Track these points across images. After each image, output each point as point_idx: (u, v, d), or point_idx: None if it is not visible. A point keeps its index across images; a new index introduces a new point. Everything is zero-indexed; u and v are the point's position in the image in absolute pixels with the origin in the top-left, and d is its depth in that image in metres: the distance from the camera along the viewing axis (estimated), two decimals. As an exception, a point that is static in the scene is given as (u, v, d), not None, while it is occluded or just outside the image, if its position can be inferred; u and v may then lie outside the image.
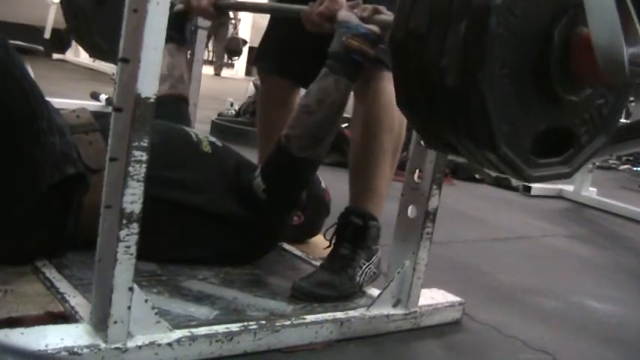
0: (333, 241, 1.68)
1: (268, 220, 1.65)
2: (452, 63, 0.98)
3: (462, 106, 1.00)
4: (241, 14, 11.23)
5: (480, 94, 0.97)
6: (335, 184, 2.07)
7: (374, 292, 1.61)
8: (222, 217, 1.60)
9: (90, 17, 2.11)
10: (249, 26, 10.39)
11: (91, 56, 2.29)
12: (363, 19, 1.47)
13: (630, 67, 0.95)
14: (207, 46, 5.26)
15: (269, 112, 1.98)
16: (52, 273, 1.42)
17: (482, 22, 0.94)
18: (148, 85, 1.08)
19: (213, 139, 1.79)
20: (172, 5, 1.87)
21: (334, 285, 1.55)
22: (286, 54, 1.82)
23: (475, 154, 1.08)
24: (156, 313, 1.19)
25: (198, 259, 1.62)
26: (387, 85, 1.56)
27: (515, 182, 3.83)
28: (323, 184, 1.99)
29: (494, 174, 3.81)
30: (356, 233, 1.64)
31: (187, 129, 1.81)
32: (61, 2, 2.17)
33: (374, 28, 1.46)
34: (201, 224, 1.59)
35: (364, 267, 1.61)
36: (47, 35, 6.50)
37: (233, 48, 8.56)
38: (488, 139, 1.01)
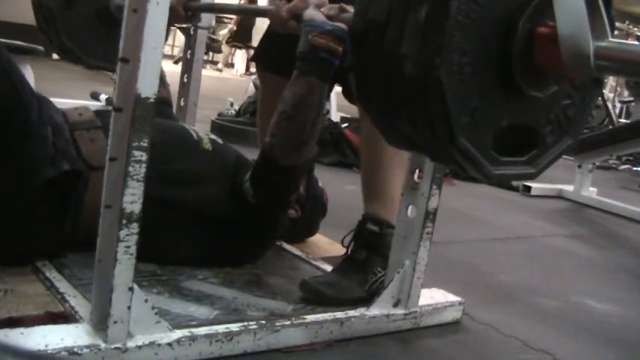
0: (351, 248, 1.67)
1: (260, 222, 1.64)
2: (410, 51, 0.95)
3: (420, 96, 0.97)
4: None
5: (438, 83, 0.93)
6: (335, 184, 2.07)
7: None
8: (218, 216, 1.60)
9: (57, 18, 2.11)
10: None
11: (60, 58, 2.29)
12: (329, 17, 1.44)
13: (595, 61, 0.92)
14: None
15: (269, 111, 1.98)
16: (52, 273, 1.42)
17: (442, 7, 0.92)
18: (148, 85, 1.08)
19: (213, 136, 1.79)
20: None
21: (342, 287, 1.55)
22: (286, 52, 1.82)
23: (435, 148, 1.05)
24: (156, 313, 1.19)
25: (193, 259, 1.62)
26: None
27: (515, 182, 3.83)
28: (320, 184, 1.99)
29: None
30: (371, 240, 1.63)
31: (188, 127, 1.81)
32: (32, 4, 2.17)
33: (341, 24, 1.42)
34: (197, 223, 1.59)
35: (378, 274, 1.59)
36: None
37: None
38: (446, 131, 0.98)
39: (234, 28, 10.03)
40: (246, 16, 1.97)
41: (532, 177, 1.12)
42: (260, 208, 1.59)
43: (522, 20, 0.98)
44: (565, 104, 1.12)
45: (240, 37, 10.53)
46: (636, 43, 0.95)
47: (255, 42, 9.85)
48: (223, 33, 10.67)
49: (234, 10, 2.07)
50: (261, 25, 1.96)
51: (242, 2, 8.14)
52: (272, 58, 1.90)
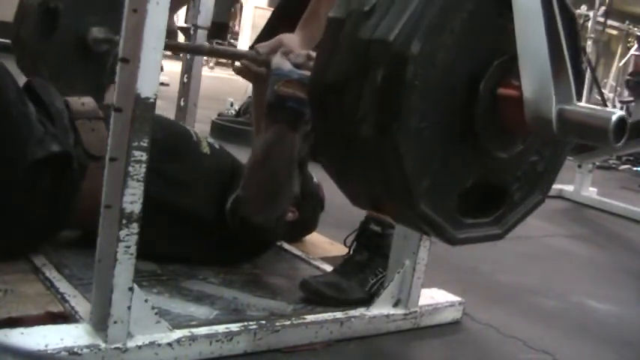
0: (352, 248, 1.67)
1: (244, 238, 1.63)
2: (368, 115, 0.91)
3: (377, 161, 0.93)
4: (240, 14, 11.25)
5: (395, 149, 0.90)
6: (334, 184, 2.07)
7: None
8: (209, 221, 1.59)
9: (35, 51, 2.12)
10: (249, 26, 10.41)
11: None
12: (296, 65, 1.41)
13: (558, 124, 0.90)
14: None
15: (263, 105, 1.99)
16: (52, 273, 1.42)
17: (398, 72, 0.88)
18: (148, 85, 1.08)
19: (211, 140, 1.79)
20: (117, 44, 1.87)
21: (342, 288, 1.55)
22: None
23: (396, 212, 1.01)
24: (156, 313, 1.19)
25: (186, 258, 1.62)
26: None
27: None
28: (315, 179, 1.98)
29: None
30: (374, 241, 1.63)
31: (188, 127, 1.81)
32: (11, 36, 2.18)
33: (308, 72, 1.38)
34: (187, 225, 1.59)
35: (380, 275, 1.59)
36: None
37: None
38: (405, 197, 0.94)
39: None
40: (217, 57, 1.98)
41: (499, 238, 1.07)
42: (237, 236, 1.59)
43: (484, 81, 0.94)
44: (534, 160, 1.07)
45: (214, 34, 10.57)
46: (601, 108, 0.92)
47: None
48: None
49: (207, 52, 2.11)
50: (260, 24, 1.96)
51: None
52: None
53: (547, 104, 0.90)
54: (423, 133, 0.92)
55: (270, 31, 1.93)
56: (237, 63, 1.59)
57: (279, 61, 1.42)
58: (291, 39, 1.50)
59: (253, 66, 1.52)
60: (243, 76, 1.58)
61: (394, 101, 0.89)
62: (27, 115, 1.41)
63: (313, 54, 1.43)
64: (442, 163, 0.96)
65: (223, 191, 1.62)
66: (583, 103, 0.93)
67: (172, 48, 2.02)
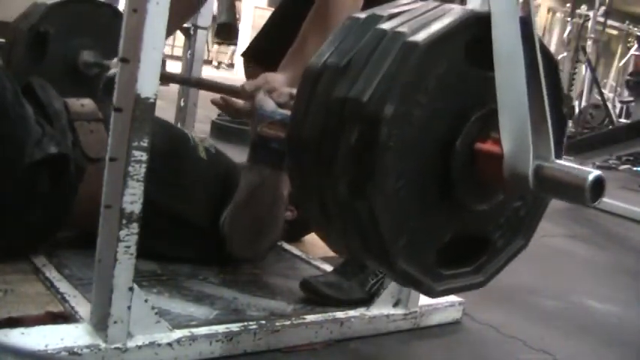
0: None
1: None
2: (342, 174, 0.90)
3: (353, 220, 0.92)
4: (241, 14, 11.26)
5: (370, 210, 0.88)
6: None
7: (374, 292, 1.61)
8: (204, 228, 1.59)
9: (26, 75, 2.14)
10: (249, 26, 10.41)
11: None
12: (279, 105, 1.39)
13: (535, 181, 0.89)
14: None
15: None
16: (52, 273, 1.42)
17: (372, 133, 0.86)
18: (148, 85, 1.08)
19: (207, 144, 1.77)
20: (107, 69, 1.87)
21: (342, 288, 1.55)
22: (276, 43, 1.81)
23: (374, 265, 1.01)
24: (156, 313, 1.19)
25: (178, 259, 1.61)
26: None
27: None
28: None
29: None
30: None
31: (186, 131, 1.80)
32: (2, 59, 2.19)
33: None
34: (183, 230, 1.59)
35: (380, 275, 1.58)
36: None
37: None
38: (382, 256, 0.93)
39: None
40: (204, 89, 2.03)
41: (480, 286, 1.06)
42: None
43: (461, 137, 0.93)
44: (516, 206, 1.06)
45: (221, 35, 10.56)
46: (577, 166, 0.90)
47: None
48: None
49: (193, 83, 2.13)
50: (261, 24, 1.96)
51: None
52: (260, 48, 1.89)
53: (525, 160, 0.89)
54: (399, 192, 0.90)
55: (268, 35, 1.93)
56: (217, 96, 1.57)
57: (262, 100, 1.40)
58: (275, 77, 1.47)
59: (237, 102, 1.51)
60: (223, 111, 1.57)
61: (368, 162, 0.87)
62: (25, 117, 1.40)
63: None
64: (420, 220, 0.94)
65: (218, 198, 1.62)
66: (561, 161, 0.91)
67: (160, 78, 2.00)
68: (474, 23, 0.92)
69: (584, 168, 0.89)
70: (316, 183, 0.95)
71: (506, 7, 0.92)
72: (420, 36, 0.87)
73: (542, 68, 0.91)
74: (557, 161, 0.90)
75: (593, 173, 0.86)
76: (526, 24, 0.92)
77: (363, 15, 0.97)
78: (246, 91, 1.46)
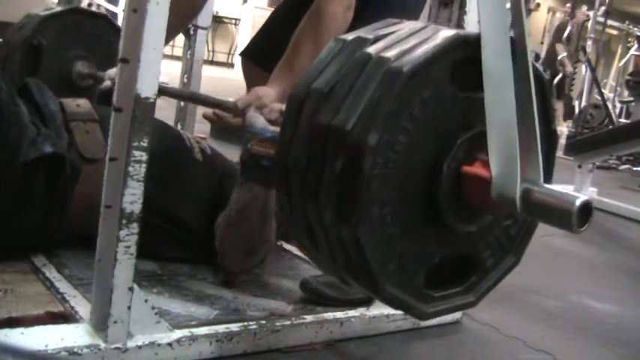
0: None
1: None
2: (327, 203, 0.89)
3: (339, 248, 0.91)
4: (241, 14, 11.26)
5: (355, 238, 0.88)
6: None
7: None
8: (198, 230, 1.59)
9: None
10: (249, 26, 10.41)
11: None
12: (270, 121, 1.38)
13: (522, 204, 0.88)
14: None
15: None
16: (52, 273, 1.42)
17: (356, 162, 0.85)
18: (148, 85, 1.08)
19: (203, 145, 1.77)
20: (101, 80, 1.87)
21: (342, 288, 1.55)
22: (275, 43, 1.81)
23: (365, 290, 0.99)
24: (156, 313, 1.19)
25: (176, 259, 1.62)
26: None
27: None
28: None
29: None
30: None
31: (181, 132, 1.80)
32: None
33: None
34: (177, 232, 1.59)
35: None
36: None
37: None
38: (370, 283, 0.93)
39: None
40: (195, 104, 2.02)
41: (471, 306, 1.05)
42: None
43: (447, 161, 0.92)
44: (506, 225, 1.05)
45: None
46: (564, 191, 0.90)
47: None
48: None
49: (186, 97, 2.13)
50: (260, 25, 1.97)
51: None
52: (263, 57, 1.89)
53: (512, 184, 0.88)
54: (385, 219, 0.90)
55: (267, 35, 1.93)
56: (209, 111, 1.57)
57: (252, 116, 1.40)
58: (266, 92, 1.47)
59: (229, 117, 1.50)
60: (215, 124, 1.57)
61: (353, 191, 0.86)
62: (19, 116, 1.40)
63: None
64: (407, 245, 0.93)
65: (214, 199, 1.61)
66: (549, 186, 0.91)
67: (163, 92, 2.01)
68: (460, 45, 0.91)
69: (571, 193, 0.88)
70: (303, 209, 0.94)
71: (496, 28, 0.91)
72: (405, 61, 0.86)
73: (534, 88, 0.91)
74: (545, 185, 0.90)
75: (581, 199, 0.86)
76: (517, 44, 0.91)
77: (349, 37, 0.96)
78: (237, 107, 1.46)
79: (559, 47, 7.79)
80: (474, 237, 1.01)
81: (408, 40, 0.91)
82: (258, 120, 1.39)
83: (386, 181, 0.88)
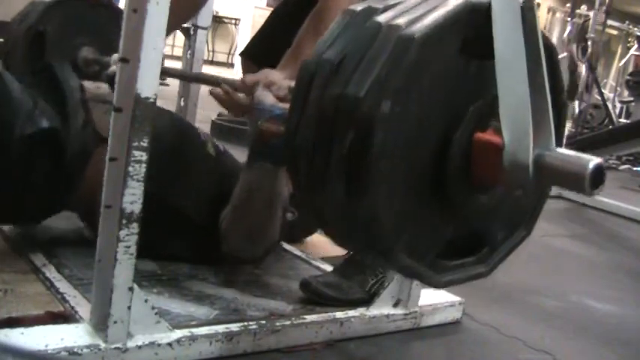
0: None
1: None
2: (340, 176, 0.89)
3: (353, 220, 0.91)
4: (241, 14, 11.26)
5: (369, 211, 0.88)
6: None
7: (374, 292, 1.61)
8: (206, 225, 1.58)
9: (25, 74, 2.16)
10: (249, 26, 10.41)
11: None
12: (279, 98, 1.38)
13: (534, 170, 0.88)
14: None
15: None
16: (52, 273, 1.42)
17: (367, 134, 0.84)
18: (148, 85, 1.08)
19: (215, 141, 1.78)
20: (107, 65, 1.88)
21: (342, 288, 1.55)
22: (276, 43, 1.81)
23: (379, 263, 1.01)
24: (156, 313, 1.19)
25: (182, 258, 1.62)
26: None
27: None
28: None
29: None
30: None
31: (196, 126, 1.82)
32: None
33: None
34: (184, 226, 1.58)
35: (380, 275, 1.58)
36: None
37: None
38: (385, 256, 0.93)
39: None
40: (201, 84, 2.02)
41: (484, 276, 1.06)
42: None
43: (459, 129, 0.92)
44: (517, 196, 1.03)
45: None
46: (577, 154, 0.89)
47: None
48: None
49: (191, 78, 2.14)
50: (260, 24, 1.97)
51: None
52: (264, 57, 1.89)
53: (525, 149, 0.88)
54: (397, 191, 0.90)
55: (266, 35, 1.93)
56: (217, 89, 1.57)
57: (261, 94, 1.39)
58: (274, 73, 1.47)
59: (237, 96, 1.50)
60: (221, 104, 1.56)
61: (365, 163, 0.86)
62: (5, 92, 1.39)
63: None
64: (420, 216, 0.94)
65: (222, 196, 1.62)
66: (562, 150, 0.91)
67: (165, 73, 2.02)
68: (470, 13, 0.91)
69: (584, 156, 0.88)
70: (314, 183, 0.94)
71: None
72: (416, 28, 0.86)
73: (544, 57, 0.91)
74: (558, 150, 0.90)
75: (594, 161, 0.86)
76: (527, 12, 0.91)
77: (359, 7, 0.96)
78: (245, 85, 1.45)
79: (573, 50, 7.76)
80: (485, 210, 1.01)
81: (417, 9, 0.90)
82: (267, 97, 1.38)
83: (398, 151, 0.88)
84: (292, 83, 1.37)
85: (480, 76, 0.93)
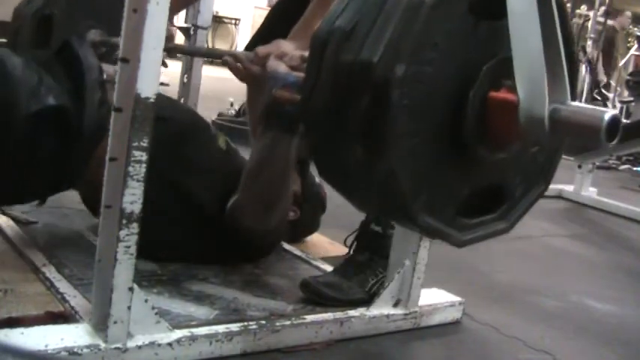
0: (353, 248, 1.67)
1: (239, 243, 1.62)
2: (358, 138, 0.91)
3: (373, 182, 0.94)
4: (241, 14, 11.26)
5: (387, 170, 0.90)
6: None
7: (374, 292, 1.61)
8: (213, 217, 1.59)
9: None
10: (249, 26, 10.41)
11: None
12: (292, 68, 1.40)
13: (550, 123, 0.89)
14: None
15: (258, 107, 2.00)
16: (52, 273, 1.42)
17: (383, 96, 0.87)
18: (148, 85, 1.08)
19: (226, 137, 1.79)
20: (116, 46, 1.89)
21: (342, 288, 1.55)
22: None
23: (401, 224, 1.03)
24: (156, 313, 1.19)
25: (186, 254, 1.62)
26: None
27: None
28: (317, 179, 1.98)
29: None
30: (374, 241, 1.63)
31: (208, 121, 1.83)
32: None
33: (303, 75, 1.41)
34: (192, 215, 1.58)
35: (380, 275, 1.59)
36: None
37: None
38: (405, 214, 0.95)
39: None
40: (214, 58, 2.07)
41: (505, 232, 1.07)
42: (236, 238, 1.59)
43: (474, 88, 0.94)
44: (534, 152, 1.07)
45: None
46: (592, 107, 0.91)
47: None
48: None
49: (203, 53, 2.16)
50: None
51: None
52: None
53: (540, 104, 0.89)
54: (414, 151, 0.91)
55: (265, 34, 1.93)
56: (230, 59, 1.59)
57: (274, 64, 1.42)
58: (285, 44, 1.50)
59: (249, 65, 1.52)
60: (233, 72, 1.58)
61: (382, 124, 0.88)
62: (13, 68, 1.38)
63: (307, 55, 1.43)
64: (438, 174, 0.95)
65: (229, 189, 1.62)
66: (577, 103, 0.92)
67: (169, 50, 2.03)
68: None
69: (599, 108, 0.90)
70: (332, 148, 0.96)
71: None
72: None
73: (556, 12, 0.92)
74: (572, 103, 0.91)
75: (609, 113, 0.87)
76: None
77: None
78: (258, 56, 1.48)
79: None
80: (502, 166, 1.03)
81: None
82: (280, 67, 1.42)
83: (414, 112, 0.90)
84: (305, 53, 1.39)
85: (490, 37, 0.95)
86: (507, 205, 1.07)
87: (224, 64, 1.59)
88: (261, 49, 1.50)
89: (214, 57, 1.86)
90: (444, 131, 0.94)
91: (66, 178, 1.51)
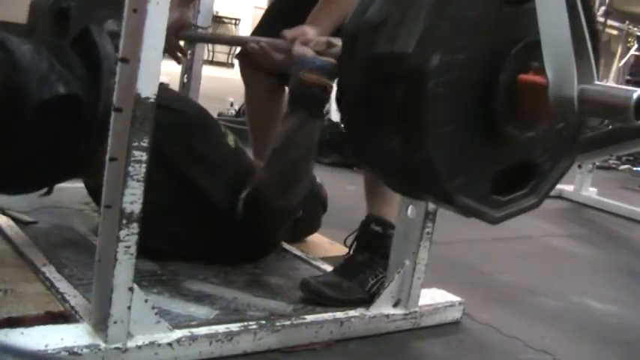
0: (353, 248, 1.67)
1: (248, 236, 1.63)
2: (394, 129, 0.95)
3: (409, 167, 0.98)
4: (241, 14, 11.27)
5: (425, 158, 0.94)
6: (335, 184, 2.07)
7: (374, 292, 1.61)
8: (220, 214, 1.59)
9: None
10: (249, 26, 10.41)
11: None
12: (318, 53, 1.44)
13: (580, 104, 0.92)
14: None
15: (256, 110, 2.00)
16: (52, 273, 1.42)
17: (418, 86, 0.90)
18: (148, 85, 1.08)
19: (233, 135, 1.80)
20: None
21: (342, 288, 1.55)
22: None
23: (438, 205, 1.07)
24: (156, 313, 1.19)
25: (191, 251, 1.62)
26: None
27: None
28: (318, 180, 1.98)
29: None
30: (374, 241, 1.63)
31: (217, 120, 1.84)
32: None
33: (330, 59, 1.42)
34: (201, 211, 1.58)
35: (380, 275, 1.59)
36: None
37: None
38: (443, 197, 1.00)
39: None
40: (236, 46, 2.05)
41: (535, 207, 1.12)
42: (249, 229, 1.60)
43: (503, 72, 0.98)
44: (559, 128, 1.11)
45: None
46: (620, 86, 0.95)
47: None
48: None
49: (226, 41, 2.16)
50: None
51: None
52: None
53: (569, 85, 0.92)
54: (450, 136, 0.95)
55: (263, 31, 1.94)
56: (252, 44, 1.61)
57: (300, 49, 1.46)
58: (309, 30, 1.54)
59: (272, 51, 1.55)
60: (258, 59, 1.59)
61: (418, 113, 0.92)
62: (13, 59, 1.35)
63: (333, 40, 1.45)
64: (472, 157, 1.00)
65: (238, 186, 1.62)
66: (603, 83, 0.95)
67: (189, 39, 2.04)
68: None
69: (627, 87, 0.93)
70: (368, 136, 1.00)
71: None
72: None
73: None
74: (600, 83, 0.94)
75: (637, 92, 0.89)
76: None
77: None
78: (286, 39, 1.52)
79: None
80: (531, 144, 1.07)
81: None
82: (307, 51, 1.45)
83: (448, 100, 0.93)
84: (330, 39, 1.45)
85: (516, 21, 0.99)
86: (536, 180, 1.12)
87: (248, 48, 1.60)
88: (288, 33, 1.53)
89: (237, 44, 1.87)
90: (475, 115, 0.98)
91: (75, 166, 1.51)
